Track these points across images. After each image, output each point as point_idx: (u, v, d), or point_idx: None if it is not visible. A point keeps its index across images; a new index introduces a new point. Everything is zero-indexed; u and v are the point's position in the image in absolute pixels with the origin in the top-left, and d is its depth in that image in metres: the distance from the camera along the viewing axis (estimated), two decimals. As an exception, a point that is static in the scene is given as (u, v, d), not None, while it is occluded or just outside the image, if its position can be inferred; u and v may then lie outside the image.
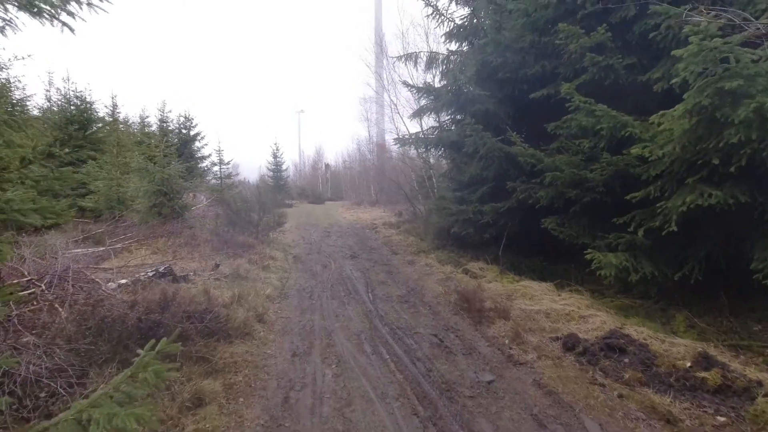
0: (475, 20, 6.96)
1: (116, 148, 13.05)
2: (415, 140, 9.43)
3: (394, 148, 31.32)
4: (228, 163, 22.47)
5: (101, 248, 8.40)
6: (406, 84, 8.39)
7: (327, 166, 41.60)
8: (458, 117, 8.04)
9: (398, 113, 12.99)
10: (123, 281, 4.85)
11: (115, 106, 21.56)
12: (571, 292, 5.40)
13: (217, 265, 6.25)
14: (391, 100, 13.26)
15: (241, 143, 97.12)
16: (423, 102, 9.18)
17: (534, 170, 6.09)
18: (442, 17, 7.75)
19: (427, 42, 12.51)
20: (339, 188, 45.29)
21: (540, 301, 5.04)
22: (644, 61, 5.19)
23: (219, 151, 19.43)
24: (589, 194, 5.27)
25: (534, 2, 5.59)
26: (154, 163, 9.71)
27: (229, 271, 6.26)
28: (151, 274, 5.21)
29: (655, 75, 4.87)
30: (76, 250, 7.23)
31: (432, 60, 8.63)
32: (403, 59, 8.67)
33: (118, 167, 12.23)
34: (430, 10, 7.69)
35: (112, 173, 12.15)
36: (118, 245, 8.56)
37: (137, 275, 5.17)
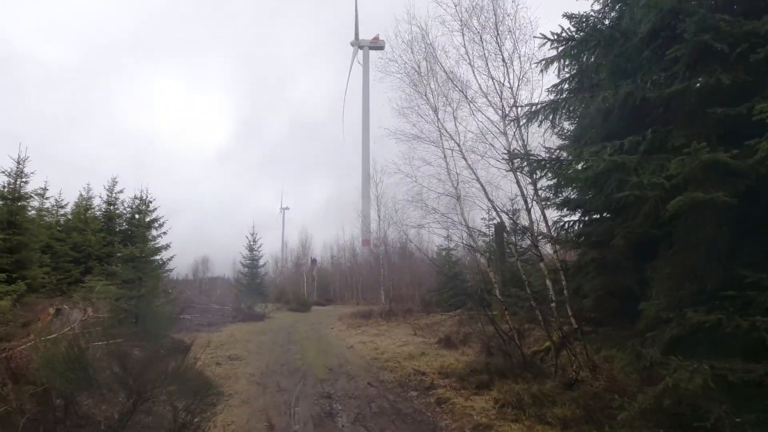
0: None
1: None
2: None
3: (389, 235, 25.19)
4: (163, 249, 15.93)
5: None
6: None
7: (314, 261, 35.02)
8: None
9: (463, 156, 7.12)
10: None
11: (19, 173, 15.52)
12: None
13: None
14: (442, 131, 7.42)
15: (219, 237, 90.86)
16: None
17: None
18: None
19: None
20: (326, 288, 38.12)
21: None
22: None
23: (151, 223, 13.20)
24: None
25: None
26: None
27: None
28: None
29: None
30: None
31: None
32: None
33: None
34: None
35: None
36: None
37: None
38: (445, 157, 8.00)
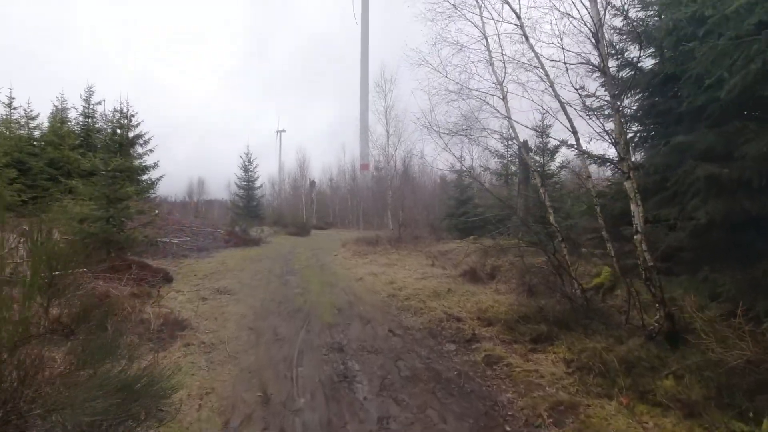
0: None
1: None
2: None
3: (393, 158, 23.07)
4: (151, 168, 14.23)
5: None
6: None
7: (312, 183, 33.38)
8: None
9: (525, 34, 5.02)
10: None
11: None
12: None
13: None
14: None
15: (219, 160, 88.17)
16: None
17: None
18: None
19: None
20: (325, 212, 37.09)
21: None
22: None
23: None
24: None
25: None
26: None
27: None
28: None
29: None
30: None
31: None
32: None
33: None
34: None
35: None
36: None
37: None
38: (486, 38, 5.91)
